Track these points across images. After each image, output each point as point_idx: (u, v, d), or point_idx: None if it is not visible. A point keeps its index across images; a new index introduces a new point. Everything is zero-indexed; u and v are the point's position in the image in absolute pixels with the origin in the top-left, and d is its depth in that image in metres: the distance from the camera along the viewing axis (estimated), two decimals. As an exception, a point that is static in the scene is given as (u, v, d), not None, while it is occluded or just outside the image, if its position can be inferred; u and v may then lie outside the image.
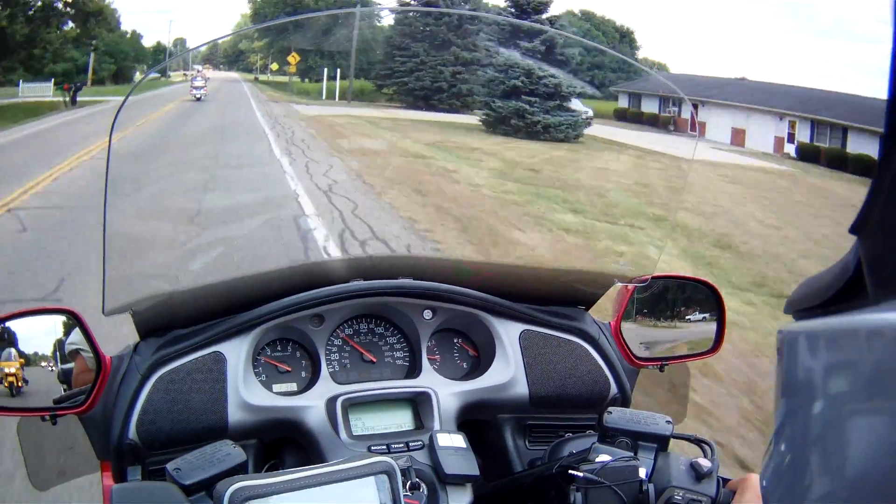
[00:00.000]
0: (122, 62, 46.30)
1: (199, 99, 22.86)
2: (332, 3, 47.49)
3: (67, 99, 25.27)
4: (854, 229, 0.41)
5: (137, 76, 53.17)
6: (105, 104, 26.31)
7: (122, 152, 1.00)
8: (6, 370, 0.95)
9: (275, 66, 49.08)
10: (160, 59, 68.43)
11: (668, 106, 31.13)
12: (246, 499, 0.65)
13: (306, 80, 39.18)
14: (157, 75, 59.58)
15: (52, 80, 32.07)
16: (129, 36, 49.58)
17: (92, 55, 38.98)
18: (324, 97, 31.79)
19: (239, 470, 0.78)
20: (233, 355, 0.99)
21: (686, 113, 30.00)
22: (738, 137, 26.82)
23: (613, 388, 1.10)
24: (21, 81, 29.66)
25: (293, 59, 31.70)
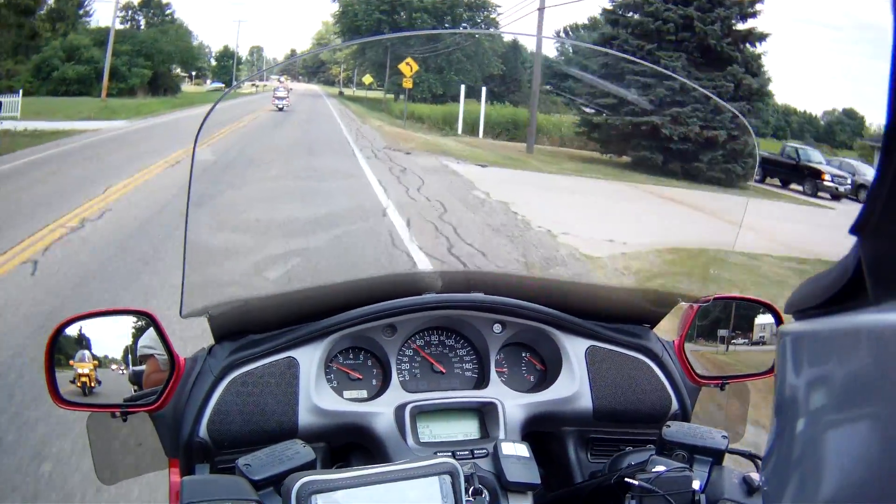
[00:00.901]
0: (162, 65, 36.23)
1: (281, 109, 23.61)
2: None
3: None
4: (854, 229, 0.44)
5: (199, 85, 51.29)
6: (59, 145, 13.15)
7: (204, 162, 1.15)
8: (79, 371, 1.07)
9: (368, 79, 40.40)
10: (227, 65, 65.26)
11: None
12: (313, 492, 0.73)
13: (399, 97, 33.97)
14: (221, 85, 59.10)
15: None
16: (171, 32, 38.92)
17: (108, 55, 28.81)
18: (460, 130, 22.82)
19: (308, 468, 0.86)
20: (306, 361, 1.09)
21: None
22: None
23: (674, 405, 1.19)
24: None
25: (407, 68, 23.50)
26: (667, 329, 1.32)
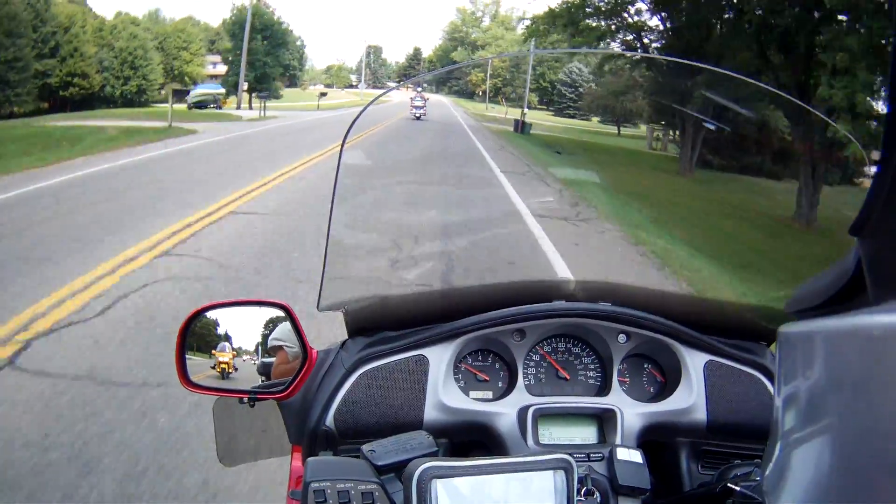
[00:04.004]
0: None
1: (418, 118, 26.66)
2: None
3: None
4: (854, 230, 0.53)
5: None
6: None
7: (348, 164, 1.48)
8: (220, 359, 1.41)
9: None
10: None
11: None
12: (433, 477, 0.95)
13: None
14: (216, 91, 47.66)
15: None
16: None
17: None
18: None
19: (430, 456, 1.09)
20: (436, 360, 1.39)
21: None
22: None
23: None
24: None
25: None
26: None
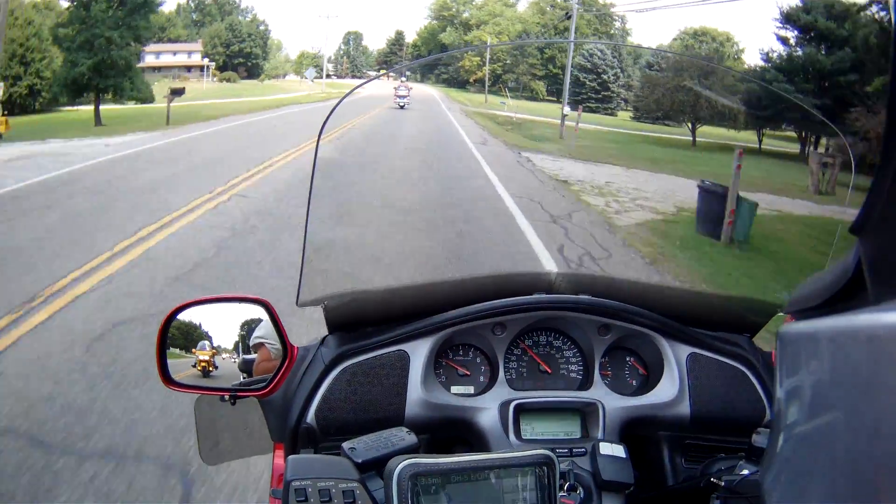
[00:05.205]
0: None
1: (402, 107, 27.41)
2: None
3: None
4: (854, 229, 0.56)
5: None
6: None
7: (326, 159, 1.81)
8: (200, 357, 1.51)
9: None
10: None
11: None
12: (415, 475, 1.03)
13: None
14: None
15: None
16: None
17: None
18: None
19: (411, 452, 1.16)
20: (417, 355, 1.49)
21: None
22: None
23: (768, 416, 1.50)
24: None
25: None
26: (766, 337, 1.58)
